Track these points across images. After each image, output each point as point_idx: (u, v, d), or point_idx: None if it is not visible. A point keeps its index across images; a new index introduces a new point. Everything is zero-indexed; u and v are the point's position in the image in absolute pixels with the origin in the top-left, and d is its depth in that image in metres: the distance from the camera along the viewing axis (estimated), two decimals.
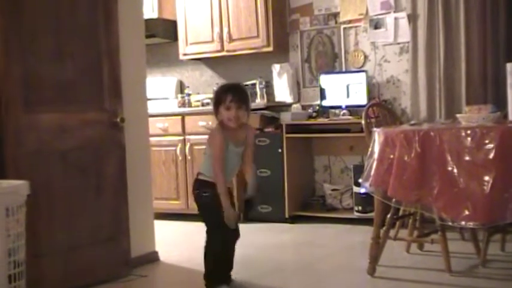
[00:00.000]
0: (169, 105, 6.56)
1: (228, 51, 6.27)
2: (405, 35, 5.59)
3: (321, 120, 5.74)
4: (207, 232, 3.46)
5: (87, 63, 3.95)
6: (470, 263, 4.04)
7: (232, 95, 3.48)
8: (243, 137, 3.57)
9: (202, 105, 6.37)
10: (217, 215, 3.38)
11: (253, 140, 3.70)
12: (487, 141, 3.37)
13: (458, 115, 4.03)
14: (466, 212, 3.40)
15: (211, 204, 3.43)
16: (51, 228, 3.66)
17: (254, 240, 5.23)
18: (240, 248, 4.84)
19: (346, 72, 5.86)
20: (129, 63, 4.29)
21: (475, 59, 5.18)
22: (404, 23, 5.59)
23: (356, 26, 5.88)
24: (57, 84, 3.76)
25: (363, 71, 5.72)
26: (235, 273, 3.70)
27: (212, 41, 6.33)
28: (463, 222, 3.47)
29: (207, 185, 3.47)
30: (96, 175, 3.95)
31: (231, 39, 6.22)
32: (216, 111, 3.54)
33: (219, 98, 3.52)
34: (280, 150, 5.74)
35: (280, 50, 6.16)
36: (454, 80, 5.30)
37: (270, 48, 6.03)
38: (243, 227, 5.71)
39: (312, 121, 5.80)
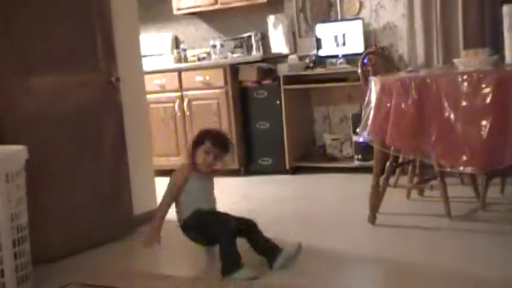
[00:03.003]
0: (165, 61, 6.51)
1: (222, 3, 6.18)
2: None
3: (318, 71, 5.71)
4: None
5: (78, 23, 3.91)
6: (470, 207, 4.07)
7: (218, 142, 3.47)
8: (212, 180, 3.60)
9: (199, 59, 6.33)
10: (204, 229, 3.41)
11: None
12: (483, 86, 3.36)
13: (455, 60, 4.00)
14: (464, 158, 3.41)
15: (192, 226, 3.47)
16: (52, 192, 3.68)
17: (255, 193, 5.27)
18: (241, 201, 4.90)
19: (342, 20, 5.79)
20: (121, 21, 4.25)
21: (472, 1, 5.10)
22: None
23: None
24: (49, 46, 3.73)
25: (358, 18, 5.65)
26: None
27: None
28: (461, 168, 3.49)
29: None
30: (94, 136, 3.96)
31: None
32: (193, 151, 3.48)
33: (201, 139, 3.47)
34: (278, 102, 5.72)
35: (275, 0, 6.07)
36: (452, 23, 5.23)
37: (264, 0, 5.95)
38: (243, 180, 5.79)
39: (309, 72, 5.76)
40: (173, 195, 3.47)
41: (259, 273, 3.14)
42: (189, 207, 3.47)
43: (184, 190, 3.51)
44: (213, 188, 3.60)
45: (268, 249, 3.29)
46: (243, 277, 3.08)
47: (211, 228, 3.34)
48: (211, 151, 3.44)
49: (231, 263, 3.16)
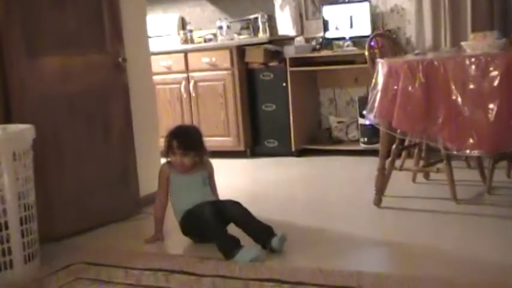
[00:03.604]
0: (171, 42, 6.49)
1: None
2: None
3: (325, 53, 5.69)
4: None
5: (86, 4, 3.91)
6: (476, 191, 4.07)
7: (178, 142, 3.48)
8: (200, 173, 3.57)
9: (205, 41, 6.31)
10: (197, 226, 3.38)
11: (213, 174, 3.68)
12: (491, 69, 3.33)
13: (463, 43, 3.98)
14: (471, 141, 3.40)
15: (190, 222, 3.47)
16: (61, 172, 3.70)
17: (261, 175, 5.29)
18: (248, 183, 4.91)
19: (349, 2, 5.75)
20: (128, 2, 4.24)
21: None
22: None
23: None
24: (57, 27, 3.73)
25: (366, 0, 5.61)
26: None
27: None
28: (468, 151, 3.48)
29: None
30: (102, 117, 3.96)
31: None
32: (166, 154, 3.56)
33: (167, 143, 3.53)
34: (284, 84, 5.71)
35: None
36: (460, 6, 5.19)
37: None
38: (249, 161, 5.81)
39: (316, 54, 5.75)
40: (163, 194, 3.58)
41: (262, 253, 3.13)
42: (178, 211, 3.51)
43: (171, 192, 3.57)
44: (204, 181, 3.58)
45: (260, 232, 3.26)
46: (246, 258, 3.07)
47: (198, 225, 3.35)
48: (176, 152, 3.49)
49: (229, 248, 3.14)
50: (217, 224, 3.26)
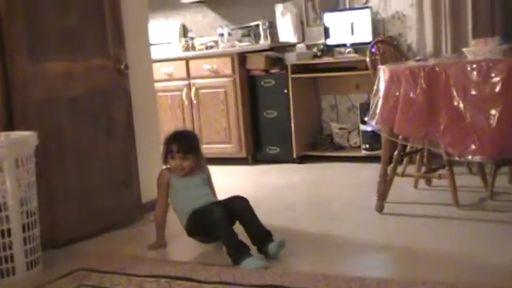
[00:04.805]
0: (173, 49, 6.51)
1: None
2: None
3: (326, 59, 5.70)
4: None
5: (89, 10, 3.92)
6: (478, 197, 4.07)
7: (177, 146, 3.50)
8: (199, 176, 3.58)
9: (206, 48, 6.32)
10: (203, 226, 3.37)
11: (211, 177, 3.69)
12: (493, 75, 3.34)
13: (464, 49, 3.98)
14: (473, 147, 3.40)
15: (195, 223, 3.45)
16: (64, 175, 3.71)
17: (263, 181, 5.29)
18: (250, 189, 4.91)
19: (350, 9, 5.77)
20: (130, 9, 4.25)
21: None
22: None
23: None
24: (61, 32, 3.74)
25: (367, 7, 5.63)
26: None
27: None
28: (469, 157, 3.48)
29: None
30: (105, 121, 3.97)
31: None
32: (165, 159, 3.57)
33: (166, 148, 3.54)
34: (286, 91, 5.72)
35: None
36: (461, 12, 5.21)
37: None
38: (251, 168, 5.81)
39: (317, 60, 5.76)
40: (164, 200, 3.58)
41: (268, 262, 3.13)
42: (182, 212, 3.50)
43: (172, 195, 3.57)
44: (204, 182, 3.59)
45: (259, 234, 3.27)
46: (251, 266, 3.06)
47: (206, 226, 3.34)
48: (176, 156, 3.50)
49: (238, 254, 3.14)
50: (229, 227, 3.25)
